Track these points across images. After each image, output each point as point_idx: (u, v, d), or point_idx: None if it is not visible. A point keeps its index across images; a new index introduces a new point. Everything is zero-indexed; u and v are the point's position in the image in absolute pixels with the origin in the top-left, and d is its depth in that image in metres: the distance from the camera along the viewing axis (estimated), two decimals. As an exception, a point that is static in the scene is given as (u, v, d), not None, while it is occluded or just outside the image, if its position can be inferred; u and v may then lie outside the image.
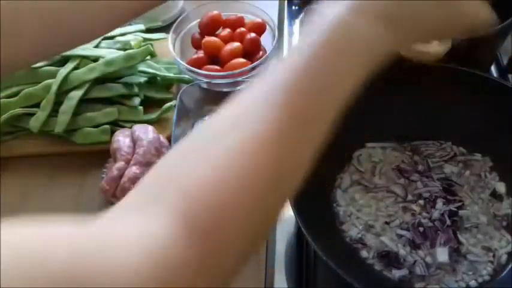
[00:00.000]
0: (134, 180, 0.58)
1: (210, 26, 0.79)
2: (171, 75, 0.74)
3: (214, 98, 0.65)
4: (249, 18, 0.80)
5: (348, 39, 0.36)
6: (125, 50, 0.73)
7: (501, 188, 0.60)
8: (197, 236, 0.29)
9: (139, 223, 0.29)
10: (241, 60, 0.73)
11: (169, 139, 0.65)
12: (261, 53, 0.75)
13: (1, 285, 0.23)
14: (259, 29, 0.78)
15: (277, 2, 0.87)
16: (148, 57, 0.75)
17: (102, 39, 0.75)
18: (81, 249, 0.27)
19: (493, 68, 0.75)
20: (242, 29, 0.77)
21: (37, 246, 0.26)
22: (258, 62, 0.71)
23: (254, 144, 0.32)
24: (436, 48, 0.55)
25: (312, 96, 0.35)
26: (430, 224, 0.57)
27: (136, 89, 0.71)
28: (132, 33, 0.78)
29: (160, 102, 0.72)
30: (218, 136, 0.33)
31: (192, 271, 0.29)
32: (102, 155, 0.63)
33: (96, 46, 0.74)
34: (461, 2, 0.43)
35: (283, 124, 0.33)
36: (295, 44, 0.37)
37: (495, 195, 0.60)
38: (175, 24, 0.78)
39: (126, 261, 0.27)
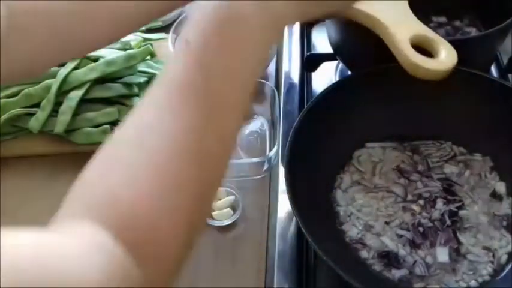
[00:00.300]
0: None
1: (210, 26, 0.78)
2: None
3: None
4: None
5: (245, 20, 0.36)
6: (125, 50, 0.73)
7: (501, 188, 0.60)
8: (132, 249, 0.29)
9: (81, 237, 0.29)
10: (241, 60, 0.73)
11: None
12: (261, 53, 0.75)
13: None
14: (259, 29, 0.78)
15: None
16: (148, 57, 0.75)
17: (102, 39, 0.75)
18: (44, 259, 0.27)
19: (493, 68, 0.75)
20: (242, 29, 0.77)
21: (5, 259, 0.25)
22: (258, 62, 0.71)
23: (169, 151, 0.32)
24: (444, 64, 0.55)
25: (212, 83, 0.35)
26: (430, 224, 0.57)
27: (136, 89, 0.71)
28: (132, 33, 0.78)
29: (160, 102, 0.72)
30: (132, 143, 0.33)
31: (139, 283, 0.30)
32: (102, 155, 0.63)
33: (96, 46, 0.74)
34: None
35: (194, 120, 0.33)
36: (187, 31, 0.37)
37: (495, 195, 0.60)
38: (175, 24, 0.78)
39: (79, 273, 0.27)
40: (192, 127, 0.33)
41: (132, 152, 0.33)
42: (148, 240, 0.30)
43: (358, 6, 0.56)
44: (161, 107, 0.34)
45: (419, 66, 0.54)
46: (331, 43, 0.72)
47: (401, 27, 0.55)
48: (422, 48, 0.56)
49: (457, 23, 0.76)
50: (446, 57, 0.55)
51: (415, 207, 0.59)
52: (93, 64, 0.71)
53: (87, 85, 0.70)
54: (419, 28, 0.57)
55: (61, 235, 0.30)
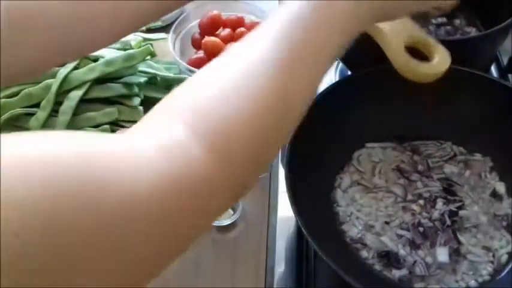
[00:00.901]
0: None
1: (210, 26, 0.79)
2: (171, 75, 0.74)
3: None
4: (249, 18, 0.80)
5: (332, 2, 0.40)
6: (125, 50, 0.73)
7: (501, 188, 0.60)
8: (213, 151, 0.31)
9: (158, 138, 0.31)
10: (241, 60, 0.73)
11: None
12: (261, 53, 0.75)
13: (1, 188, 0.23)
14: (259, 29, 0.78)
15: (277, 2, 0.87)
16: (148, 57, 0.75)
17: (102, 39, 0.75)
18: (96, 162, 0.27)
19: (493, 68, 0.75)
20: (242, 29, 0.77)
21: (54, 157, 0.26)
22: (258, 62, 0.71)
23: (261, 68, 0.35)
24: (436, 68, 0.55)
25: (310, 44, 0.38)
26: (430, 224, 0.57)
27: (136, 89, 0.71)
28: (132, 33, 0.78)
29: (160, 102, 0.72)
30: (226, 63, 0.36)
31: (211, 188, 0.31)
32: (102, 155, 0.63)
33: (96, 46, 0.74)
34: None
35: (290, 58, 0.37)
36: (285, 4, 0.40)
37: (495, 195, 0.60)
38: (175, 24, 0.78)
39: (145, 175, 0.28)
40: (279, 65, 0.36)
41: (222, 67, 0.36)
42: (223, 134, 0.32)
43: None
44: (252, 47, 0.37)
45: (412, 69, 0.55)
46: (331, 43, 0.72)
47: (395, 30, 0.56)
48: (417, 49, 0.56)
49: (457, 22, 0.76)
50: (439, 60, 0.56)
51: (415, 207, 0.59)
52: (93, 64, 0.71)
53: (87, 85, 0.70)
54: (414, 31, 0.57)
55: (129, 137, 0.31)
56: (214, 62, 0.37)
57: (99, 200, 0.25)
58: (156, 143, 0.30)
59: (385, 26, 0.56)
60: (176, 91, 0.35)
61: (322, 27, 0.39)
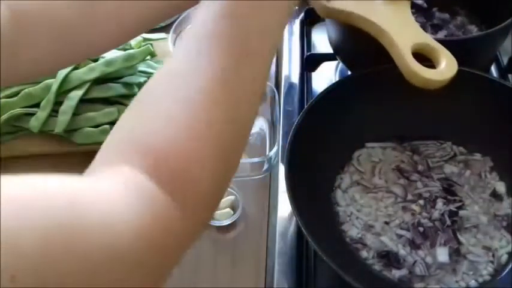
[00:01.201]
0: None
1: (210, 26, 0.78)
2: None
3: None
4: (249, 18, 0.79)
5: None
6: (124, 50, 0.73)
7: (501, 188, 0.60)
8: (174, 187, 0.31)
9: (119, 181, 0.30)
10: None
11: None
12: (261, 53, 0.75)
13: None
14: (259, 29, 0.78)
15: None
16: (148, 57, 0.75)
17: (102, 39, 0.75)
18: (76, 206, 0.27)
19: (493, 68, 0.75)
20: (242, 29, 0.77)
21: (36, 198, 0.26)
22: (258, 62, 0.71)
23: (207, 89, 0.34)
24: (442, 74, 0.55)
25: (247, 35, 0.37)
26: (430, 224, 0.57)
27: (136, 89, 0.71)
28: (138, 36, 0.78)
29: (160, 102, 0.72)
30: (164, 90, 0.35)
31: (178, 220, 0.31)
32: (102, 155, 0.63)
33: (96, 46, 0.74)
34: None
35: (227, 62, 0.35)
36: None
37: (495, 195, 0.60)
38: (175, 24, 0.78)
39: (120, 218, 0.28)
40: (222, 70, 0.35)
41: (164, 94, 0.34)
42: (184, 177, 0.31)
43: (362, 13, 0.56)
44: (191, 53, 0.36)
45: (418, 75, 0.54)
46: (331, 43, 0.72)
47: (403, 36, 0.56)
48: (423, 55, 0.56)
49: (458, 20, 0.76)
50: (446, 67, 0.55)
51: (415, 207, 0.59)
52: (93, 64, 0.71)
53: (87, 85, 0.70)
54: (421, 37, 0.57)
55: (97, 180, 0.30)
56: (150, 85, 0.36)
57: (82, 245, 0.26)
58: (119, 186, 0.30)
59: (391, 29, 0.56)
60: (124, 122, 0.34)
61: (251, 17, 0.38)
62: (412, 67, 0.54)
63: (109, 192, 0.29)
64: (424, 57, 0.56)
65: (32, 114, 0.69)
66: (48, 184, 0.28)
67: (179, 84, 0.34)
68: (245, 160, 0.67)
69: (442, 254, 0.55)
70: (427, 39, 0.57)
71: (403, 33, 0.56)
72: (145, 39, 0.77)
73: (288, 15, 0.41)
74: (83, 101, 0.70)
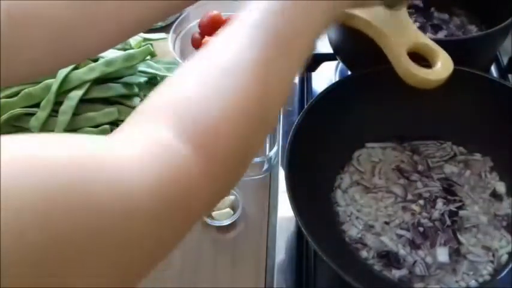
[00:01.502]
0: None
1: (210, 26, 0.79)
2: (171, 75, 0.74)
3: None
4: (249, 18, 0.79)
5: None
6: (125, 50, 0.73)
7: (501, 188, 0.60)
8: (198, 150, 0.31)
9: (145, 139, 0.31)
10: (241, 60, 0.73)
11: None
12: (261, 53, 0.75)
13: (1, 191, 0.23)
14: (259, 29, 0.78)
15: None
16: (148, 57, 0.75)
17: (102, 39, 0.75)
18: (91, 165, 0.27)
19: (493, 68, 0.75)
20: (242, 29, 0.77)
21: (49, 160, 0.26)
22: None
23: (243, 66, 0.36)
24: (438, 74, 0.55)
25: (288, 32, 0.39)
26: (430, 224, 0.57)
27: (136, 89, 0.71)
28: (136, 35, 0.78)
29: (160, 102, 0.72)
30: (209, 60, 0.37)
31: (199, 186, 0.31)
32: (102, 155, 0.63)
33: (96, 46, 0.74)
34: None
35: (269, 51, 0.37)
36: None
37: (495, 195, 0.60)
38: (175, 24, 0.78)
39: (136, 176, 0.28)
40: (264, 59, 0.37)
41: (200, 65, 0.36)
42: (210, 133, 0.32)
43: (360, 14, 0.56)
44: (236, 38, 0.38)
45: (414, 76, 0.55)
46: (331, 43, 0.72)
47: (399, 36, 0.56)
48: (420, 55, 0.57)
49: (458, 21, 0.76)
50: (441, 67, 0.56)
51: (415, 207, 0.59)
52: (93, 64, 0.71)
53: (87, 85, 0.70)
54: (418, 36, 0.57)
55: (117, 139, 0.31)
56: (193, 61, 0.37)
57: (93, 201, 0.26)
58: (144, 145, 0.30)
59: (388, 30, 0.56)
60: (158, 91, 0.36)
61: (298, 18, 0.40)
62: (407, 67, 0.55)
63: (127, 150, 0.29)
64: (421, 57, 0.56)
65: (32, 114, 0.69)
66: (60, 145, 0.28)
67: (219, 59, 0.36)
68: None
69: (442, 254, 0.55)
70: (422, 38, 0.57)
71: (399, 33, 0.56)
72: (145, 39, 0.77)
73: (331, 20, 0.44)
74: (83, 101, 0.70)
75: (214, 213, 0.62)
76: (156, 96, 0.35)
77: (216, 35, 0.39)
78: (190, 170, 0.31)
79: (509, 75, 0.75)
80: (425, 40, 0.57)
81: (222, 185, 0.35)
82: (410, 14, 0.60)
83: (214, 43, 0.38)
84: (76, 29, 0.49)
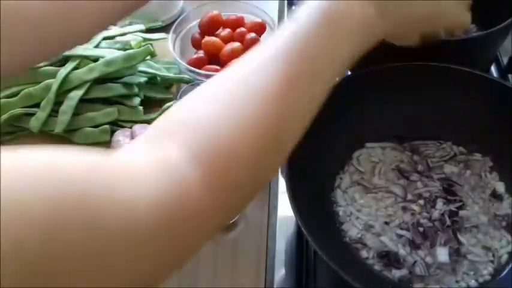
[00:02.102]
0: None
1: (210, 26, 0.79)
2: (171, 75, 0.74)
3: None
4: (249, 18, 0.80)
5: (342, 12, 0.40)
6: (125, 50, 0.73)
7: (501, 188, 0.60)
8: (210, 175, 0.31)
9: (155, 157, 0.30)
10: (242, 60, 0.73)
11: (169, 139, 0.65)
12: (261, 53, 0.75)
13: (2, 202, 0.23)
14: (259, 29, 0.78)
15: (277, 2, 0.87)
16: (148, 57, 0.75)
17: (102, 39, 0.75)
18: (96, 179, 0.27)
19: (493, 68, 0.75)
20: (242, 29, 0.77)
21: (53, 171, 0.26)
22: (258, 62, 0.71)
23: (262, 96, 0.35)
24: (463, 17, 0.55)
25: (313, 58, 0.39)
26: (430, 224, 0.57)
27: (136, 89, 0.71)
28: (132, 33, 0.78)
29: (160, 102, 0.72)
30: (228, 85, 0.36)
31: (204, 210, 0.31)
32: (102, 155, 0.63)
33: (96, 46, 0.74)
34: (447, 2, 0.51)
35: (289, 80, 0.37)
36: (294, 15, 0.41)
37: (495, 195, 0.60)
38: (175, 24, 0.78)
39: (142, 194, 0.28)
40: (288, 80, 0.36)
41: (219, 87, 0.36)
42: (217, 156, 0.32)
43: None
44: (264, 59, 0.37)
45: None
46: (331, 43, 0.72)
47: None
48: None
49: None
50: None
51: (415, 207, 0.59)
52: (93, 64, 0.71)
53: (87, 85, 0.70)
54: None
55: (130, 154, 0.31)
56: (213, 81, 0.37)
57: (97, 217, 0.26)
58: (152, 164, 0.30)
59: None
60: (174, 108, 0.35)
61: (330, 43, 0.39)
62: None
63: (134, 168, 0.29)
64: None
65: (32, 114, 0.69)
66: (65, 157, 0.28)
67: (236, 81, 0.36)
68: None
69: (442, 254, 0.55)
70: None
71: None
72: (145, 39, 0.77)
73: (361, 48, 0.43)
74: (83, 101, 0.70)
75: (214, 213, 0.62)
76: (170, 114, 0.35)
77: (240, 57, 0.38)
78: (197, 194, 0.30)
79: (509, 75, 0.75)
80: None
81: (229, 210, 0.34)
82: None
83: (236, 65, 0.37)
84: (55, 21, 0.50)
